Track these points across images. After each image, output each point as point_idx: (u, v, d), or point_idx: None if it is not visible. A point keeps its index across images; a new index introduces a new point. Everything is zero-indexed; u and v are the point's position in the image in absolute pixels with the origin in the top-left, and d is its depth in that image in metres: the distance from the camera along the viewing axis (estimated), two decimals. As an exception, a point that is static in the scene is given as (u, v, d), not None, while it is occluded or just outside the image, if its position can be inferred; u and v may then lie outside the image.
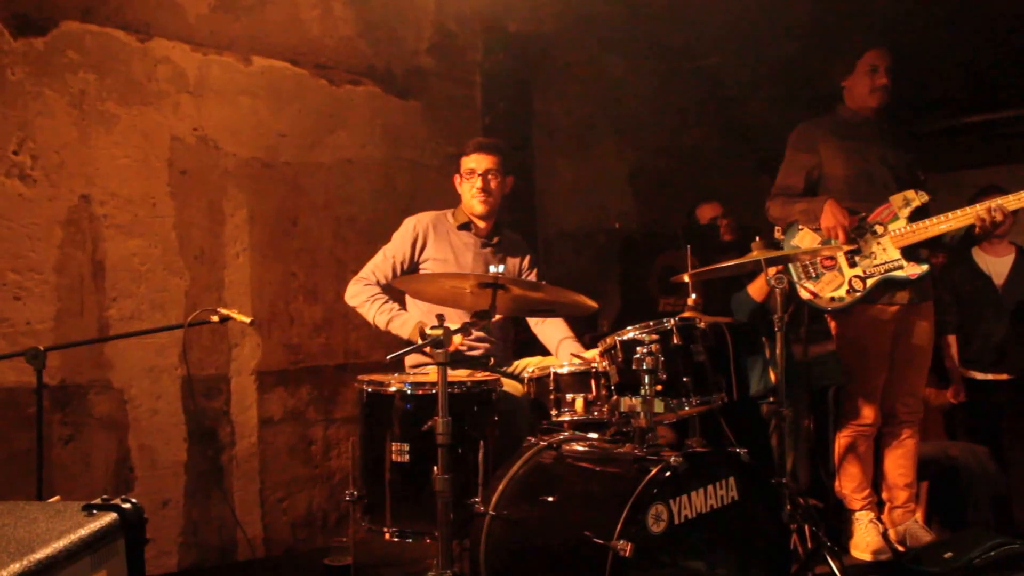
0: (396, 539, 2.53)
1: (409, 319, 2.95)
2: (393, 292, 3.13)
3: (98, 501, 1.25)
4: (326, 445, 3.75)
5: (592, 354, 2.81)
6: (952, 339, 4.01)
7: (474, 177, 3.06)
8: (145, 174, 3.28)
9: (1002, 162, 4.90)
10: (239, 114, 3.51)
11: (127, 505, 1.25)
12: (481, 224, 3.14)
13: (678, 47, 4.43)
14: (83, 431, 3.14)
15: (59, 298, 3.09)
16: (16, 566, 1.01)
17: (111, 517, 1.23)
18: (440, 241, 3.11)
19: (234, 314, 2.85)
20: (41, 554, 1.07)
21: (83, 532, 1.16)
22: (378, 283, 3.08)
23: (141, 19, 3.27)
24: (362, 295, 3.06)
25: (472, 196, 3.07)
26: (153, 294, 3.29)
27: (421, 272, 3.10)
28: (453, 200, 3.23)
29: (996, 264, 3.95)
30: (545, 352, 3.20)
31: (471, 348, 3.09)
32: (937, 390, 4.00)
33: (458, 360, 2.93)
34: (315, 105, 3.72)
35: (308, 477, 3.69)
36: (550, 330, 3.16)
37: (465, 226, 3.14)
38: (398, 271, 3.09)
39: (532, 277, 3.25)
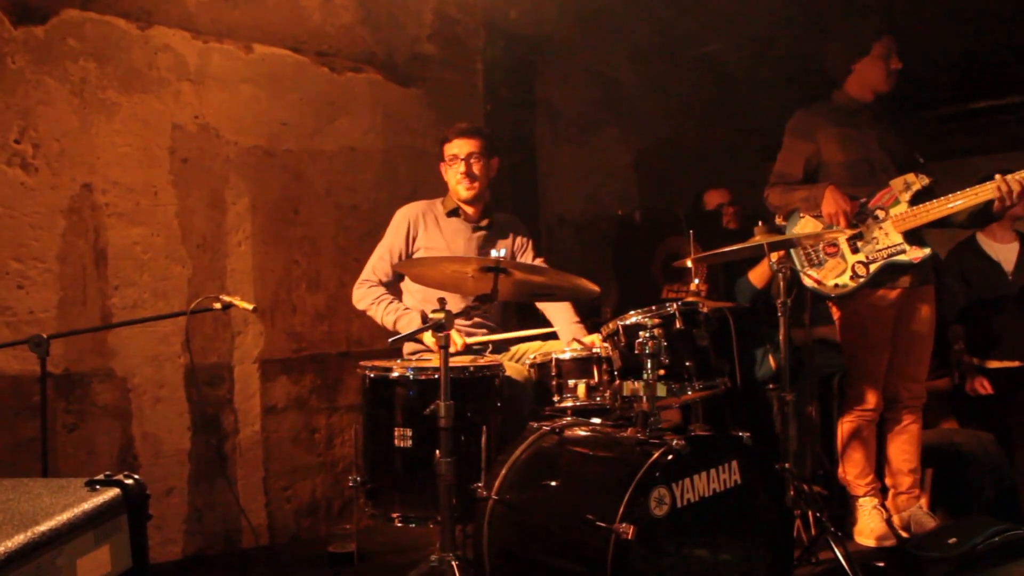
0: (400, 524, 2.53)
1: (415, 317, 2.96)
2: (397, 289, 3.14)
3: (101, 477, 1.25)
4: (329, 433, 3.76)
5: (592, 339, 2.81)
6: (958, 327, 3.98)
7: (457, 162, 3.06)
8: (147, 162, 3.28)
9: (1008, 149, 4.86)
10: (240, 102, 3.50)
11: (130, 481, 1.25)
12: (469, 209, 3.14)
13: (680, 34, 4.41)
14: (87, 419, 3.14)
15: (62, 287, 3.09)
16: (20, 537, 1.02)
17: (114, 492, 1.23)
18: (431, 229, 3.11)
19: (236, 301, 2.85)
20: (45, 526, 1.07)
21: (86, 506, 1.16)
22: (381, 282, 3.09)
23: (141, 7, 3.26)
24: (368, 298, 3.07)
25: (457, 182, 3.08)
26: (156, 282, 3.29)
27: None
28: (454, 188, 3.23)
29: (1003, 251, 3.93)
30: (546, 338, 3.19)
31: (471, 334, 3.09)
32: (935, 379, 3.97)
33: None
34: (316, 93, 3.71)
35: (312, 465, 3.70)
36: (556, 311, 3.15)
37: (454, 212, 3.14)
38: (396, 264, 3.09)
39: (528, 254, 3.25)
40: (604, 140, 4.99)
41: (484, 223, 3.16)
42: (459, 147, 3.07)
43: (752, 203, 4.19)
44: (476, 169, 3.07)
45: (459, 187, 3.08)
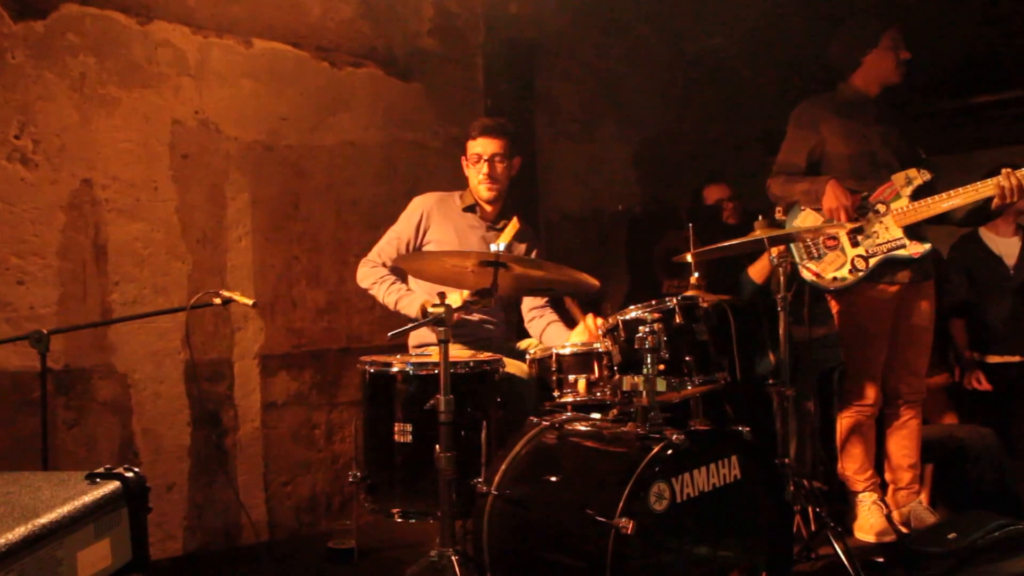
0: (400, 520, 2.53)
1: (415, 299, 2.95)
2: (403, 273, 3.13)
3: (101, 470, 1.26)
4: (329, 429, 3.76)
5: (591, 324, 2.80)
6: (959, 322, 3.97)
7: (480, 163, 3.04)
8: (147, 158, 3.28)
9: (1012, 142, 4.84)
10: (240, 97, 3.50)
11: (130, 474, 1.26)
12: (488, 208, 3.13)
13: (680, 29, 4.41)
14: (87, 415, 3.15)
15: (62, 282, 3.09)
16: (21, 530, 1.02)
17: (114, 485, 1.23)
18: (444, 222, 3.09)
19: (236, 296, 2.85)
20: (45, 519, 1.07)
21: (87, 499, 1.17)
22: (384, 264, 3.08)
23: (141, 1, 3.26)
24: (370, 276, 3.06)
25: (479, 182, 3.06)
26: (156, 278, 3.29)
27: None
28: (454, 182, 3.22)
29: (1005, 245, 3.93)
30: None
31: (477, 327, 3.09)
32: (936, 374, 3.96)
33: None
34: (316, 88, 3.71)
35: (312, 461, 3.70)
36: (551, 333, 3.13)
37: (471, 208, 3.12)
38: (403, 252, 3.08)
39: None
40: (604, 135, 4.99)
41: (500, 224, 3.15)
42: (483, 146, 3.04)
43: (752, 198, 4.18)
44: (499, 171, 3.05)
45: (480, 187, 3.06)
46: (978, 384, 3.86)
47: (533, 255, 3.24)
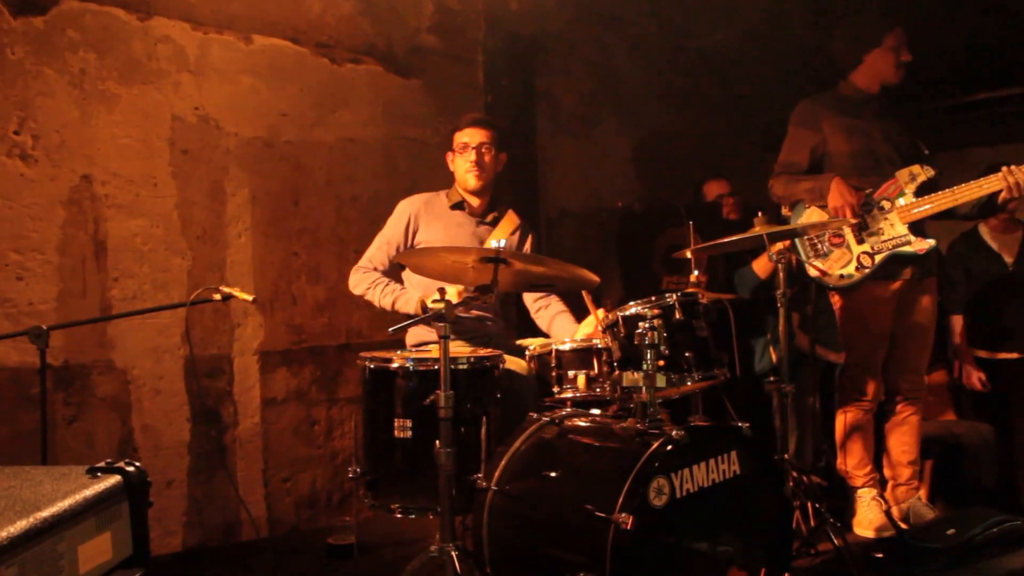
0: (400, 515, 2.53)
1: (412, 296, 2.95)
2: (394, 276, 3.13)
3: (102, 464, 1.26)
4: (329, 425, 3.76)
5: (595, 320, 2.79)
6: (959, 319, 3.98)
7: (468, 151, 3.05)
8: (146, 154, 3.28)
9: (1010, 140, 4.84)
10: (240, 93, 3.50)
11: (131, 468, 1.26)
12: (475, 202, 3.13)
13: (681, 25, 4.40)
14: (86, 411, 3.15)
15: (61, 278, 3.09)
16: (22, 523, 1.02)
17: (115, 479, 1.24)
18: (433, 222, 3.09)
19: (236, 292, 2.85)
20: (47, 512, 1.07)
21: (88, 493, 1.17)
22: (376, 270, 3.08)
23: (141, -3, 3.26)
24: (363, 283, 3.06)
25: (466, 170, 3.06)
26: (155, 274, 3.29)
27: None
28: (454, 179, 3.22)
29: (1005, 242, 3.93)
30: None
31: (475, 325, 3.08)
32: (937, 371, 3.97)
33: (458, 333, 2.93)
34: (316, 84, 3.71)
35: (311, 457, 3.70)
36: (557, 326, 3.13)
37: (459, 205, 3.12)
38: (393, 257, 3.08)
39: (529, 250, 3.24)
40: (604, 132, 4.99)
41: (489, 218, 3.15)
42: (471, 136, 3.05)
43: (752, 194, 4.18)
44: (487, 159, 3.05)
45: (468, 175, 3.06)
46: (979, 384, 3.87)
47: (528, 240, 3.24)
